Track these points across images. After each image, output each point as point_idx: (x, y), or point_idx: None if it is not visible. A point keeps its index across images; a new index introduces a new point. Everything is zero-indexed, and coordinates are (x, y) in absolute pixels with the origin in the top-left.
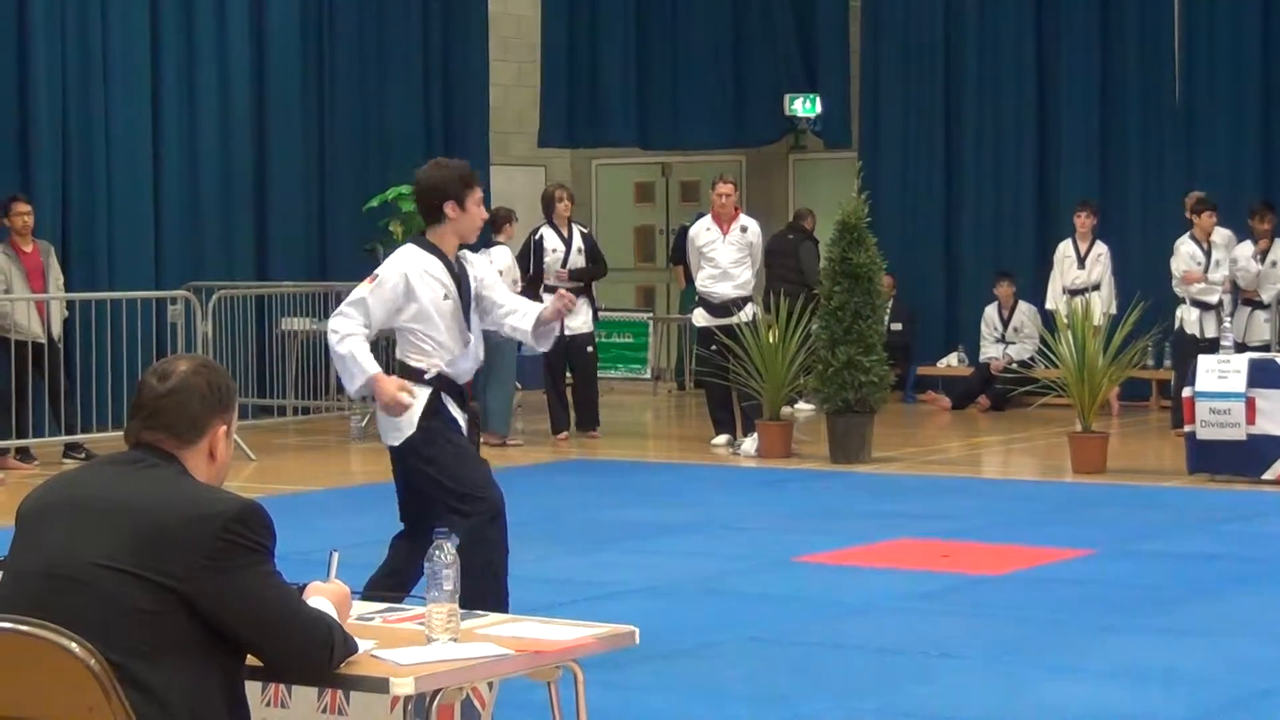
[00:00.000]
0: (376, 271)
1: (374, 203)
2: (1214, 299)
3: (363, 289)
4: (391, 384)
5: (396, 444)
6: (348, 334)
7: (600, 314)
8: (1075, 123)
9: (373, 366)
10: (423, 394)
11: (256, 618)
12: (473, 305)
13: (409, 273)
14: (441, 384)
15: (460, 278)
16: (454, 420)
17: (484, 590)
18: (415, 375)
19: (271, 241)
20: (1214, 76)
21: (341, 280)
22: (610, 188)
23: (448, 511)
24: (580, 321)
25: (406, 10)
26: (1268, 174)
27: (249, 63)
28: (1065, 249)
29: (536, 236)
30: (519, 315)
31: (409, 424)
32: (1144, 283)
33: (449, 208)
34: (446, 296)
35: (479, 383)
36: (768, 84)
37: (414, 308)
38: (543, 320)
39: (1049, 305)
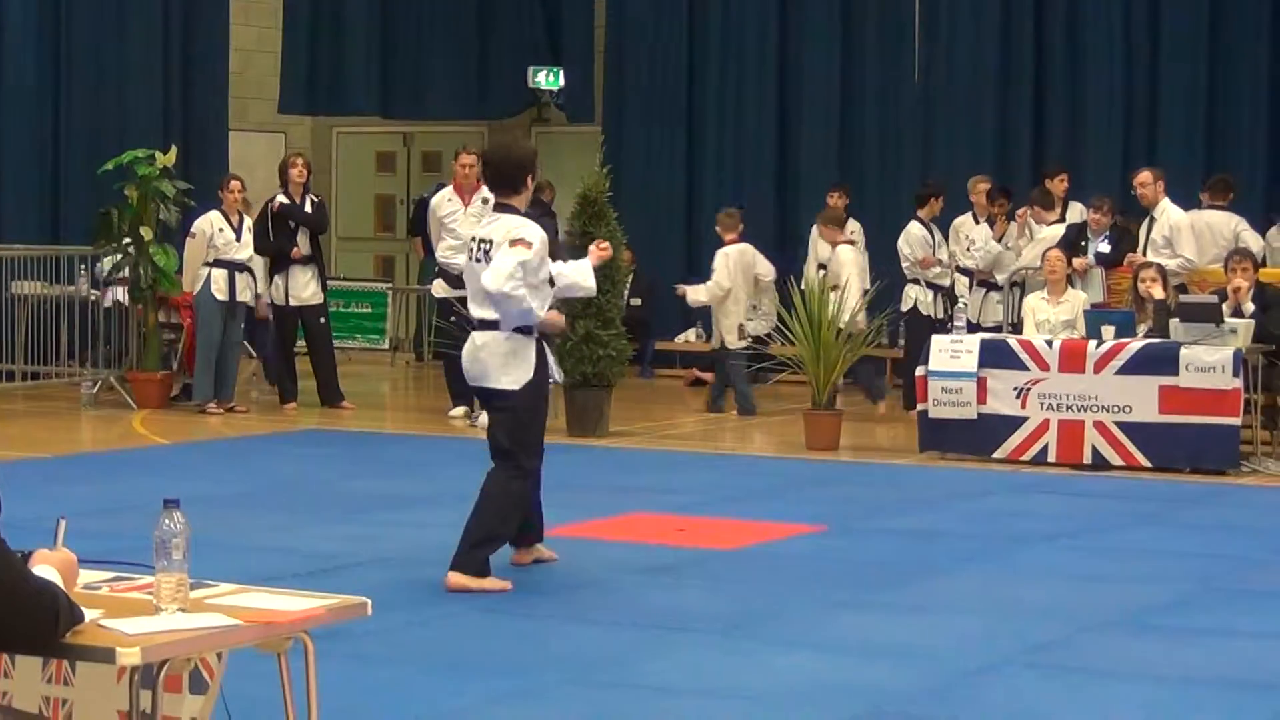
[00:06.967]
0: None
1: (109, 166)
2: (947, 282)
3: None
4: None
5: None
6: None
7: (338, 283)
8: (815, 105)
9: None
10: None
11: None
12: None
13: None
14: None
15: None
16: None
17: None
18: None
19: (3, 203)
20: (952, 64)
21: (74, 244)
22: (351, 156)
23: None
24: (310, 293)
25: None
26: (1002, 160)
27: None
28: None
29: (273, 204)
30: None
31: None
32: (880, 264)
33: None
34: None
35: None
36: (511, 56)
37: None
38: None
39: (804, 286)
